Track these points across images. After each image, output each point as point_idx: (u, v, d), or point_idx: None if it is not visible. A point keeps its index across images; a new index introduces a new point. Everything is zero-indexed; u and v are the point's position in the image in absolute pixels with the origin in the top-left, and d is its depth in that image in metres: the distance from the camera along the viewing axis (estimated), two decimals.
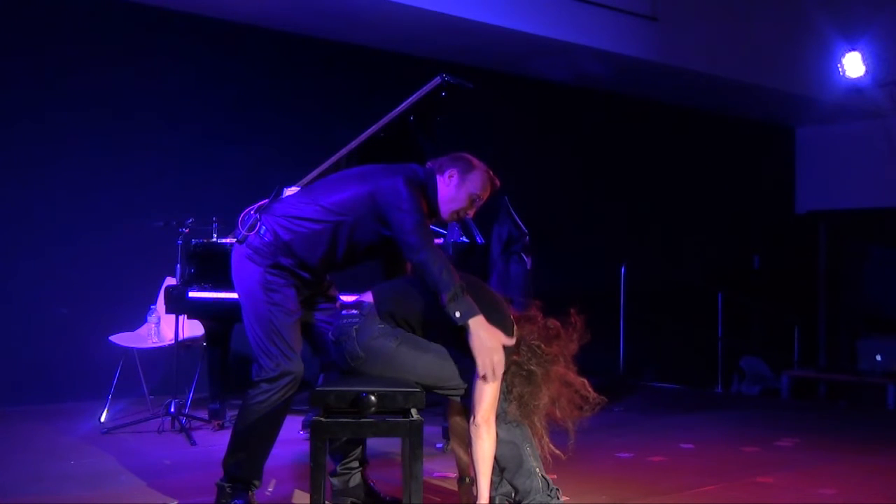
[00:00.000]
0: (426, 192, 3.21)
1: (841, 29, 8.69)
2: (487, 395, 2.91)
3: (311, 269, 3.25)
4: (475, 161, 3.27)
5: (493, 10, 6.88)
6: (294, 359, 3.20)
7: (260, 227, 3.22)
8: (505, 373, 2.98)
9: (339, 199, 3.20)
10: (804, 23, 8.76)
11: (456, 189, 3.22)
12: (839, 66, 8.73)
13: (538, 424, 3.07)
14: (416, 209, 3.06)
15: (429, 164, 3.30)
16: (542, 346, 3.05)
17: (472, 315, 2.88)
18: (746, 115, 10.16)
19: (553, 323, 3.12)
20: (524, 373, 3.03)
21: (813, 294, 10.85)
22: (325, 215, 3.18)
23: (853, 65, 8.66)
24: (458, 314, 2.88)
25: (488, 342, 2.87)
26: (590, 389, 3.10)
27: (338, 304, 3.42)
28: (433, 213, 3.27)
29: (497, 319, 3.00)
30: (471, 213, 3.30)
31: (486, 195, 3.26)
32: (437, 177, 3.24)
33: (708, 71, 8.30)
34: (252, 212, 3.30)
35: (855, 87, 8.90)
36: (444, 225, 3.48)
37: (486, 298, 3.06)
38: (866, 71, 8.68)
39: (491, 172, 3.28)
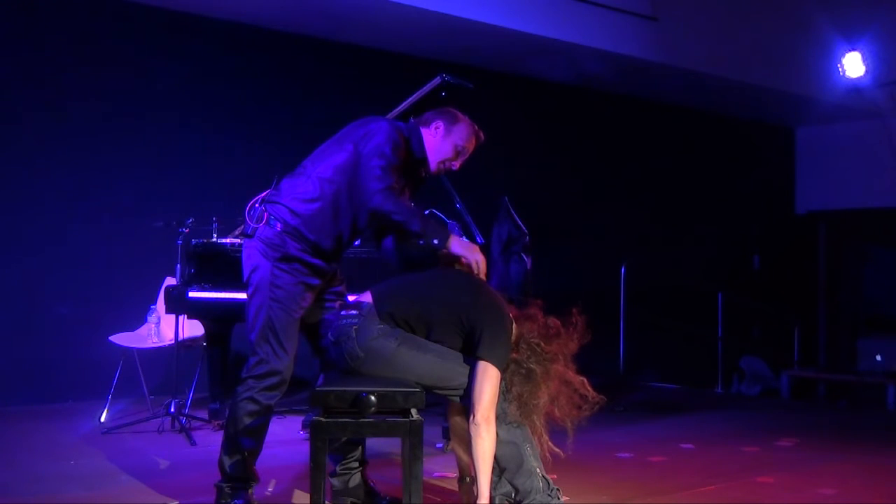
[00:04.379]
0: (409, 144, 3.29)
1: (841, 29, 8.68)
2: (487, 394, 2.91)
3: (322, 253, 3.25)
4: (460, 114, 3.36)
5: (493, 10, 6.87)
6: (283, 358, 3.20)
7: (268, 218, 3.23)
8: (504, 371, 2.99)
9: (330, 164, 3.25)
10: (804, 23, 8.74)
11: (442, 139, 3.31)
12: (839, 66, 8.71)
13: (538, 424, 3.07)
14: (391, 153, 3.15)
15: (412, 120, 3.39)
16: (542, 344, 3.06)
17: (447, 236, 3.15)
18: (746, 115, 10.15)
19: (553, 322, 3.12)
20: (523, 371, 3.03)
21: (813, 294, 10.84)
22: (322, 185, 3.22)
23: (853, 65, 8.64)
24: (436, 241, 3.10)
25: (467, 245, 3.17)
26: (589, 388, 3.10)
27: (338, 304, 3.41)
28: (419, 166, 3.34)
29: (497, 318, 3.01)
30: (456, 164, 3.38)
31: (471, 147, 3.36)
32: (422, 129, 3.33)
33: (708, 71, 8.30)
34: (257, 204, 3.31)
35: (855, 87, 8.88)
36: (433, 178, 3.57)
37: (486, 297, 3.06)
38: (866, 71, 8.66)
39: (476, 126, 3.36)
